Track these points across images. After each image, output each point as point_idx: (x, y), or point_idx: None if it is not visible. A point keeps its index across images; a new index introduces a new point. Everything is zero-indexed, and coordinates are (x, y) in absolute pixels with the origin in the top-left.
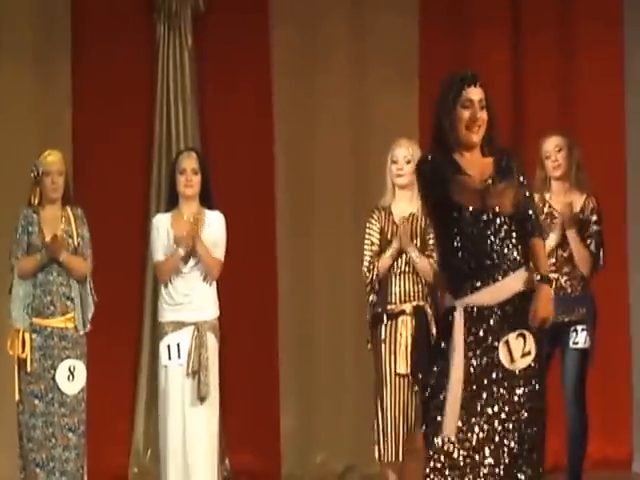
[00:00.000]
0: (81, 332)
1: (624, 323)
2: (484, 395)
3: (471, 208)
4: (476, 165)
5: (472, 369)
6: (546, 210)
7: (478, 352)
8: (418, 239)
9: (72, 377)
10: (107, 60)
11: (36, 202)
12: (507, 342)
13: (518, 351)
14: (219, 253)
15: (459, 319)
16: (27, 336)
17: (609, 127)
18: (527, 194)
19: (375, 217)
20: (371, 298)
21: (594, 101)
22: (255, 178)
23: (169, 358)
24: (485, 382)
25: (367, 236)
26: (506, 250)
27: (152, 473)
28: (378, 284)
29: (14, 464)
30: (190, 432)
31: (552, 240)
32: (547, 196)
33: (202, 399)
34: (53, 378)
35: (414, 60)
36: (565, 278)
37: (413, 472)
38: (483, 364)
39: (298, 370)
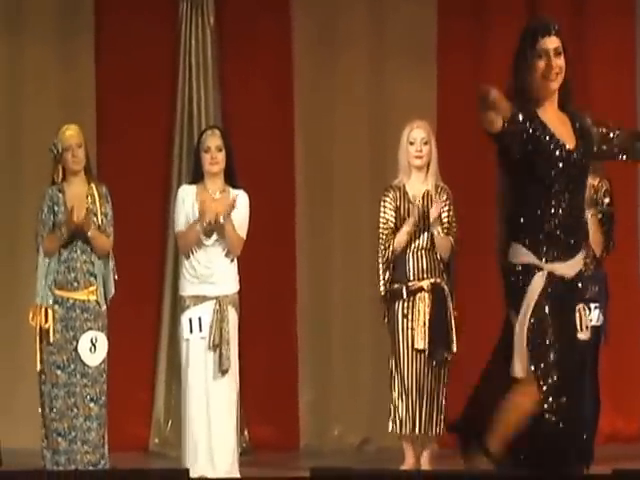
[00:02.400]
0: (102, 307)
1: (635, 301)
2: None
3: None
4: (557, 121)
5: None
6: None
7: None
8: (438, 211)
9: (94, 349)
10: (130, 40)
11: (60, 179)
12: (580, 310)
13: (585, 322)
14: (243, 231)
15: (539, 281)
16: (50, 311)
17: (621, 112)
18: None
19: (390, 196)
20: (387, 275)
21: (606, 87)
22: (275, 156)
23: (191, 331)
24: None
25: (382, 214)
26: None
27: (173, 444)
28: (394, 261)
29: (36, 433)
30: (211, 404)
31: None
32: None
33: (224, 372)
34: (75, 349)
35: (432, 47)
36: None
37: (430, 451)
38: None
39: (316, 344)
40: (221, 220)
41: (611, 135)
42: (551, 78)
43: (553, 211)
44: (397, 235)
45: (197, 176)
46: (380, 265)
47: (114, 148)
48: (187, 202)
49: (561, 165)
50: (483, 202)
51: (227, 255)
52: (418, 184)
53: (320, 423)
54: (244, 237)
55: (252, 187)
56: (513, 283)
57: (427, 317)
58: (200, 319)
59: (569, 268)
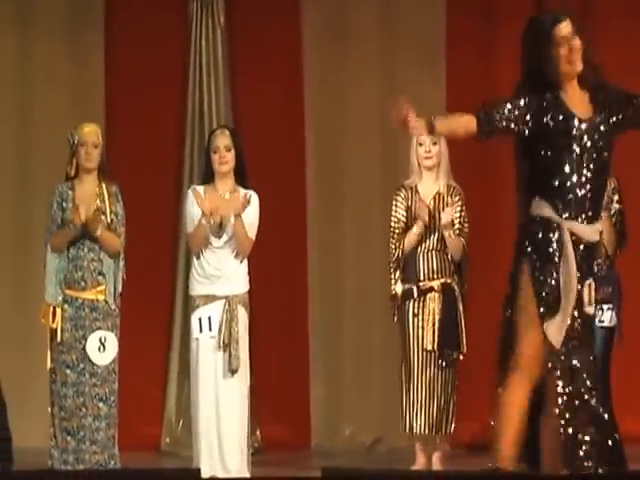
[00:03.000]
0: (112, 306)
1: None
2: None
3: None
4: (577, 99)
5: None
6: None
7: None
8: (449, 215)
9: (103, 348)
10: (140, 37)
11: (72, 172)
12: (589, 285)
13: (591, 297)
14: (252, 233)
15: (567, 238)
16: (58, 311)
17: None
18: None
19: (402, 196)
20: (397, 274)
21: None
22: (286, 155)
23: (200, 331)
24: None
25: (393, 214)
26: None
27: (184, 444)
28: (404, 261)
29: (45, 432)
30: (222, 404)
31: None
32: None
33: (233, 372)
34: (84, 349)
35: (441, 44)
36: None
37: (442, 451)
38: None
39: (327, 344)
40: (231, 220)
41: (634, 101)
42: (575, 62)
43: (571, 176)
44: (407, 235)
45: (207, 176)
46: (391, 265)
47: (124, 147)
48: (194, 204)
49: (574, 134)
50: (495, 199)
51: (236, 256)
52: (430, 184)
53: (331, 423)
54: (253, 238)
55: (263, 186)
56: (533, 235)
57: (437, 317)
58: (210, 318)
59: (587, 231)
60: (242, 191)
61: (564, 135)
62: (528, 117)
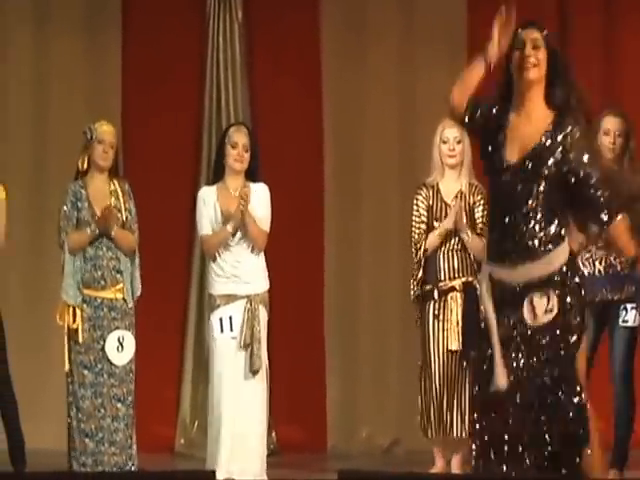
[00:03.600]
0: (129, 305)
1: None
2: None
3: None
4: (526, 123)
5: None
6: None
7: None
8: (467, 217)
9: (121, 348)
10: (157, 33)
11: (84, 167)
12: (531, 300)
13: (541, 308)
14: (265, 225)
15: (485, 287)
16: (78, 311)
17: None
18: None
19: (423, 194)
20: (418, 276)
21: (637, 80)
22: (304, 152)
23: (221, 331)
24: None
25: (415, 213)
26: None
27: (199, 445)
28: (425, 261)
29: (63, 434)
30: (243, 404)
31: None
32: None
33: (255, 372)
34: (102, 349)
35: (462, 37)
36: (614, 256)
37: (461, 454)
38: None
39: (344, 344)
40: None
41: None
42: (526, 67)
43: (497, 213)
44: (429, 236)
45: (217, 174)
46: (413, 266)
47: (140, 145)
48: (209, 204)
49: (500, 171)
50: None
51: (252, 251)
52: (451, 183)
53: (348, 424)
54: (267, 230)
55: (280, 182)
56: None
57: (459, 317)
58: (231, 318)
59: (511, 274)
60: (252, 185)
61: (492, 170)
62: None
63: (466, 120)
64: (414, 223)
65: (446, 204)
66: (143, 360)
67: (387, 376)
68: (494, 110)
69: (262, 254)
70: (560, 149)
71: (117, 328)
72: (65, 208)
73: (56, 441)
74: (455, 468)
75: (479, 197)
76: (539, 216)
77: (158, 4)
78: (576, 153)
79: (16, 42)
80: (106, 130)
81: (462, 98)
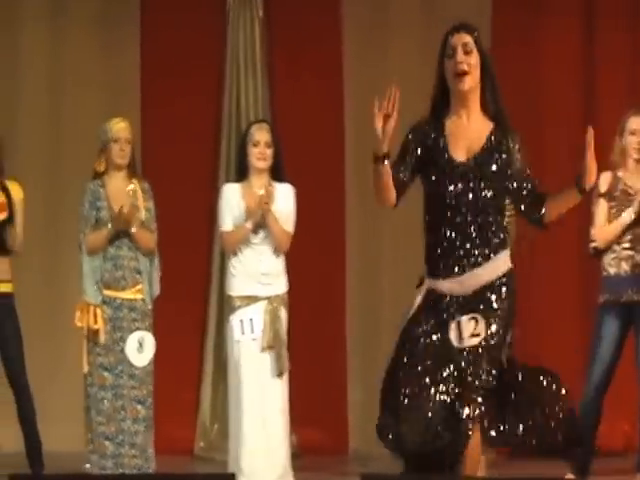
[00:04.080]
0: (148, 306)
1: None
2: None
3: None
4: (465, 135)
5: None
6: (620, 187)
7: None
8: None
9: (141, 349)
10: (176, 30)
11: (102, 169)
12: (459, 322)
13: (468, 331)
14: (289, 226)
15: (421, 298)
16: (99, 311)
17: None
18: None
19: None
20: None
21: None
22: (325, 150)
23: (242, 333)
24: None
25: None
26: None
27: (218, 448)
28: None
29: (81, 436)
30: (266, 406)
31: (627, 218)
32: (619, 173)
33: (280, 374)
34: (122, 350)
35: (486, 34)
36: None
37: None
38: (440, 340)
39: (366, 345)
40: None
41: (525, 185)
42: (459, 75)
43: (438, 223)
44: None
45: (242, 171)
46: None
47: (159, 142)
48: (232, 201)
49: (447, 175)
50: None
51: (275, 252)
52: None
53: (370, 426)
54: (291, 231)
55: (301, 181)
56: None
57: None
58: (252, 320)
59: (453, 285)
60: (277, 185)
61: (435, 175)
62: (414, 165)
63: (397, 202)
64: None
65: None
66: (162, 362)
67: None
68: (418, 137)
69: (282, 256)
70: (504, 153)
71: (137, 329)
72: (83, 208)
73: (74, 443)
74: (481, 471)
75: None
76: (484, 222)
77: (177, 1)
78: (518, 161)
79: (32, 37)
80: (121, 127)
81: (389, 198)
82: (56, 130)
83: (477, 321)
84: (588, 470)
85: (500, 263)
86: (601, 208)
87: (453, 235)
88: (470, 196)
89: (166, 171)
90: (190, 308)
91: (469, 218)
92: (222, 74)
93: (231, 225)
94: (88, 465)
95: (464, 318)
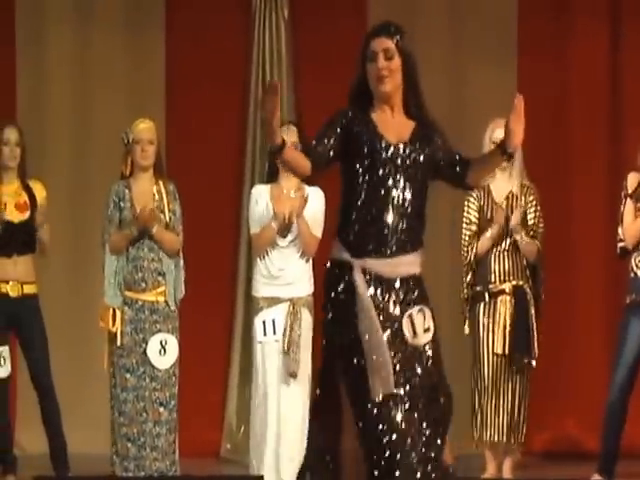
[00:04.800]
0: (172, 308)
1: None
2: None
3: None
4: (392, 125)
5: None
6: None
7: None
8: (518, 217)
9: (164, 351)
10: (202, 31)
11: (127, 172)
12: (410, 316)
13: (420, 326)
14: (317, 230)
15: (360, 280)
16: (118, 313)
17: None
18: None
19: (474, 196)
20: (468, 278)
21: None
22: None
23: (264, 334)
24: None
25: (465, 215)
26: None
27: (245, 450)
28: (476, 262)
29: (106, 438)
30: (286, 408)
31: None
32: None
33: (291, 375)
34: (144, 352)
35: (513, 33)
36: None
37: (512, 459)
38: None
39: None
40: (293, 219)
41: (453, 158)
42: (380, 80)
43: (367, 205)
44: (481, 239)
45: (272, 174)
46: (463, 267)
47: (184, 144)
48: (261, 202)
49: (380, 156)
50: (567, 199)
51: (302, 256)
52: (503, 184)
53: None
54: (319, 236)
55: (329, 184)
56: (324, 283)
57: (508, 321)
58: (274, 321)
59: (385, 266)
60: (307, 189)
61: (366, 157)
62: (341, 143)
63: (315, 167)
64: (464, 225)
65: (497, 205)
66: (189, 363)
67: None
68: (346, 119)
69: (310, 259)
70: (429, 144)
71: (159, 331)
72: (107, 209)
73: (99, 445)
74: (507, 474)
75: (531, 198)
76: (416, 209)
77: (202, 2)
78: (443, 145)
79: (58, 41)
80: (142, 128)
81: (303, 167)
82: (82, 132)
83: (425, 314)
84: (614, 471)
85: (419, 261)
86: (628, 209)
87: (388, 215)
88: (403, 180)
89: (191, 172)
90: (217, 309)
91: (404, 200)
92: (247, 76)
93: (259, 227)
94: (113, 469)
95: (414, 311)
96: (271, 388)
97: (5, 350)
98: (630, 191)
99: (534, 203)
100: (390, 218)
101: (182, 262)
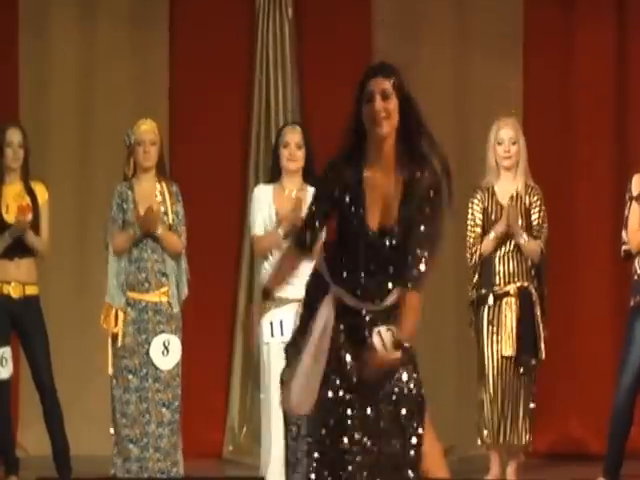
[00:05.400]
0: (175, 309)
1: None
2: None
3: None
4: (380, 195)
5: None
6: None
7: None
8: (523, 219)
9: (166, 352)
10: (206, 30)
11: (130, 173)
12: (379, 332)
13: (389, 341)
14: None
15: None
16: (120, 314)
17: None
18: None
19: (478, 197)
20: (474, 280)
21: None
22: None
23: (272, 335)
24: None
25: (470, 216)
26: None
27: (247, 451)
28: (481, 264)
29: (108, 440)
30: None
31: None
32: None
33: None
34: (147, 353)
35: (519, 29)
36: None
37: (517, 461)
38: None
39: None
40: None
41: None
42: (377, 122)
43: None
44: (485, 240)
45: (275, 173)
46: (469, 270)
47: (188, 144)
48: (263, 203)
49: (359, 243)
50: (571, 198)
51: None
52: (507, 184)
53: None
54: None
55: None
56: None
57: (514, 323)
58: (281, 322)
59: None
60: (309, 189)
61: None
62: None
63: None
64: (469, 227)
65: (502, 206)
66: (191, 364)
67: (442, 381)
68: (334, 192)
69: (314, 259)
70: (411, 217)
71: (162, 332)
72: (111, 210)
73: (101, 447)
74: (511, 476)
75: (535, 198)
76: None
77: (206, 3)
78: (419, 222)
79: (61, 38)
80: (144, 129)
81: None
82: (85, 131)
83: (393, 333)
84: (619, 474)
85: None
86: (633, 211)
87: (370, 268)
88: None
89: (195, 172)
90: (219, 311)
91: (371, 269)
92: (252, 74)
93: (262, 228)
94: (113, 471)
95: (382, 328)
96: (276, 390)
97: (7, 351)
98: (635, 194)
99: (538, 203)
100: (370, 270)
101: (185, 263)
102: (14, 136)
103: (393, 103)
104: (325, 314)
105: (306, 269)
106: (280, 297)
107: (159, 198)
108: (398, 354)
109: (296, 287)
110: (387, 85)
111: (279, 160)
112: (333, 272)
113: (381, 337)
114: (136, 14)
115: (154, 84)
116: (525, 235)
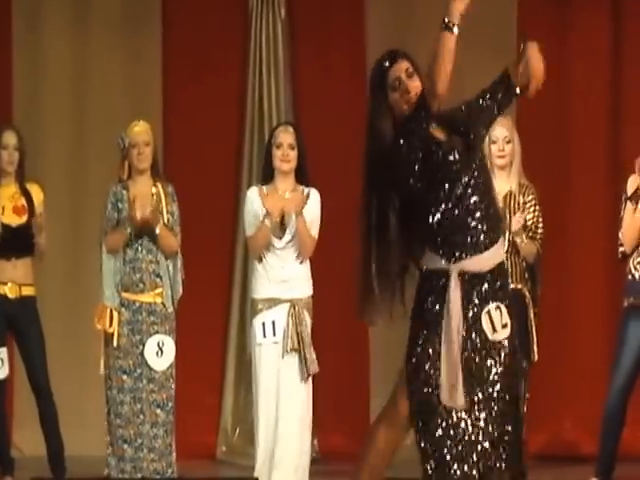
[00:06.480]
0: (169, 309)
1: None
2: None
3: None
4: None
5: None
6: None
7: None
8: (521, 221)
9: (161, 353)
10: (199, 31)
11: (125, 176)
12: (489, 312)
13: (498, 322)
14: (314, 231)
15: (455, 285)
16: (115, 314)
17: None
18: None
19: None
20: None
21: None
22: (349, 152)
23: (264, 336)
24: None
25: None
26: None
27: (240, 452)
28: None
29: (99, 440)
30: (285, 411)
31: None
32: None
33: (309, 376)
34: (141, 353)
35: (512, 24)
36: None
37: None
38: (469, 334)
39: (389, 350)
40: (293, 217)
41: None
42: (411, 103)
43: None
44: None
45: (267, 174)
46: None
47: (181, 144)
48: (255, 203)
49: (439, 159)
50: (566, 197)
51: (299, 256)
52: (501, 183)
53: None
54: (315, 236)
55: (325, 185)
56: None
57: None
58: (274, 323)
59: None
60: (303, 189)
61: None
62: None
63: None
64: None
65: (520, 212)
66: (184, 365)
67: None
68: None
69: (307, 261)
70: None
71: (157, 333)
72: (106, 210)
73: (96, 447)
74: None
75: (530, 197)
76: (489, 201)
77: (199, 1)
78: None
79: (54, 41)
80: (137, 131)
81: (448, 74)
82: (79, 133)
83: (501, 311)
84: (612, 475)
85: (501, 248)
86: (627, 212)
87: (468, 213)
88: (466, 179)
89: (188, 172)
90: (212, 311)
91: (475, 198)
92: (245, 75)
93: (255, 229)
94: (107, 471)
95: (492, 307)
96: (270, 392)
97: (2, 352)
98: (630, 194)
99: (533, 203)
100: (469, 215)
101: (180, 263)
102: (9, 139)
103: (417, 80)
104: (452, 299)
105: (301, 270)
106: (272, 298)
107: (155, 198)
108: (505, 334)
109: (287, 288)
110: (406, 64)
111: (272, 161)
112: (445, 253)
113: (490, 318)
114: (129, 16)
115: (147, 85)
116: (523, 236)
